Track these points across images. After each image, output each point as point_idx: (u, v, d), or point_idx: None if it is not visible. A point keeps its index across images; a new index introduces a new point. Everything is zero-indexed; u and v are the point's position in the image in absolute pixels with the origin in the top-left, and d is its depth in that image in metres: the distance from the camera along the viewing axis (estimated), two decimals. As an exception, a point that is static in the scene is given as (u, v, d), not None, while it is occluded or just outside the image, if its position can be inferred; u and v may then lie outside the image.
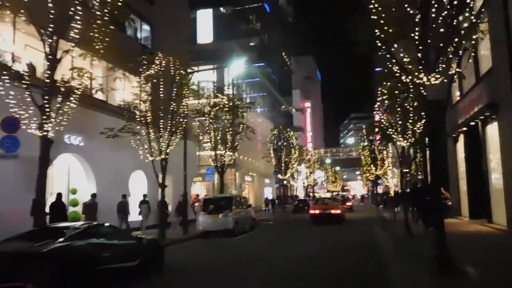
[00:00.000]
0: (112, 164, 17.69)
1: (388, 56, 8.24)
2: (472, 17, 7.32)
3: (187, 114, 16.58)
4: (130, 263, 8.06)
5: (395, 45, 7.95)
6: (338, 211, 22.66)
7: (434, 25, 7.46)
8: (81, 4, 9.84)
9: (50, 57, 9.82)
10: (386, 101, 13.34)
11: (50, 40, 9.76)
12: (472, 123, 16.16)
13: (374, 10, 7.62)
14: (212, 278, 8.67)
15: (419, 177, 28.75)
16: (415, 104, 12.27)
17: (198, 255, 12.55)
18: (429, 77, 7.44)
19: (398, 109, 12.38)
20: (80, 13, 9.82)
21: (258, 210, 37.51)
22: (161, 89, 15.35)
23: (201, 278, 8.79)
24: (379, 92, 12.77)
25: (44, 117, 9.88)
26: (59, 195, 14.02)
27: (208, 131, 21.93)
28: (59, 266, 6.38)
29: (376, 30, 7.79)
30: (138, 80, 15.27)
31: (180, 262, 11.04)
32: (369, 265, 9.22)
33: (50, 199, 13.40)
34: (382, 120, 13.73)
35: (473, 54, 13.49)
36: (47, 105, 9.85)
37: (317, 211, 22.89)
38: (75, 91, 10.26)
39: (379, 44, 7.99)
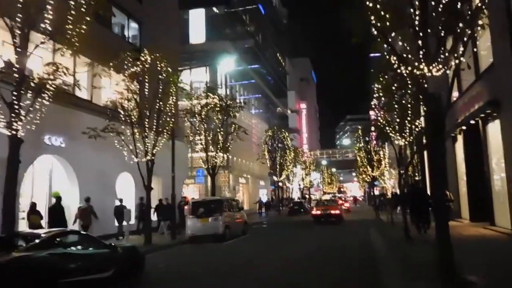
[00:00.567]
0: (97, 166, 16.90)
1: (385, 46, 7.55)
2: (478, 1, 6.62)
3: (175, 114, 15.81)
4: (102, 274, 7.30)
5: (393, 34, 7.23)
6: (337, 212, 25.01)
7: (434, 12, 6.78)
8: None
9: (19, 49, 9.06)
10: (383, 98, 12.65)
11: (19, 32, 9.00)
12: (472, 122, 15.54)
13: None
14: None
15: (416, 178, 28.24)
16: (413, 101, 11.60)
17: (183, 263, 11.76)
18: (431, 68, 6.75)
19: (396, 106, 11.69)
20: (52, 2, 9.06)
21: (253, 213, 36.73)
22: (147, 87, 14.62)
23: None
24: (375, 89, 12.08)
25: (13, 114, 9.10)
26: (59, 198, 13.74)
27: (198, 132, 21.21)
28: (15, 280, 5.61)
29: (372, 17, 7.09)
30: (123, 78, 14.50)
31: (162, 271, 10.28)
32: (365, 277, 8.46)
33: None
34: (379, 118, 13.04)
35: (474, 49, 12.91)
36: (16, 102, 9.07)
37: (318, 212, 25.20)
38: (48, 87, 9.47)
39: (376, 33, 7.30)
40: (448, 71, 6.92)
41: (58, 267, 6.33)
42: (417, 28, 6.67)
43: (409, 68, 7.06)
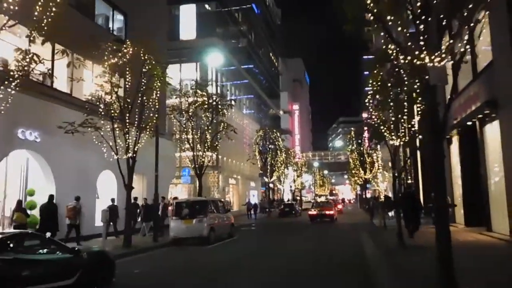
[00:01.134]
0: (76, 163, 16.02)
1: (382, 34, 6.85)
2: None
3: (159, 109, 14.99)
4: (63, 282, 6.49)
5: (391, 19, 6.51)
6: (331, 212, 28.42)
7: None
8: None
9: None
10: (378, 96, 11.97)
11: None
12: (469, 123, 14.95)
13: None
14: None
15: (409, 181, 27.68)
16: (408, 98, 10.94)
17: (161, 267, 10.93)
18: (433, 57, 6.04)
19: (391, 103, 11.02)
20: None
21: (242, 214, 35.95)
22: (128, 80, 13.80)
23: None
24: (370, 85, 11.40)
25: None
26: (51, 197, 13.55)
27: (185, 130, 20.42)
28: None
29: (368, 1, 6.39)
30: (103, 70, 13.67)
31: (135, 277, 9.47)
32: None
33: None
34: (373, 117, 12.36)
35: (468, 47, 12.30)
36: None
37: (314, 212, 28.47)
38: (12, 74, 8.63)
39: (372, 18, 6.59)
40: (451, 62, 6.23)
41: (8, 275, 5.52)
42: (418, 11, 5.97)
43: (409, 58, 6.37)
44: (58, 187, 15.07)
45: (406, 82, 10.53)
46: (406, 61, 6.37)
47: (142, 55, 13.93)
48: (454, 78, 6.26)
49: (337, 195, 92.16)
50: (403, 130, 11.77)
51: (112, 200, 16.72)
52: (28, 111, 13.86)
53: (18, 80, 8.84)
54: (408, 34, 6.36)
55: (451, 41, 5.91)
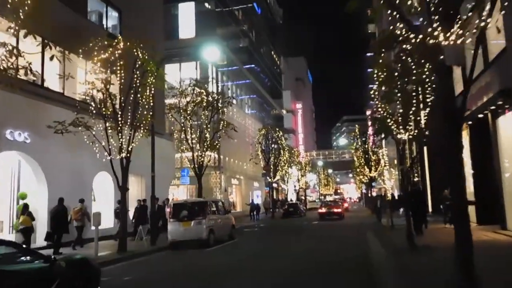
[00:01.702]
0: (70, 164, 15.42)
1: (389, 11, 6.12)
2: None
3: (153, 107, 14.33)
4: (38, 294, 5.82)
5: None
6: (339, 210, 30.57)
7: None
8: None
9: None
10: (383, 88, 11.21)
11: None
12: (480, 115, 14.17)
13: None
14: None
15: (415, 179, 26.75)
16: (419, 88, 10.20)
17: (155, 273, 10.20)
18: (448, 34, 5.31)
19: (399, 94, 10.27)
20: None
21: (246, 215, 35.25)
22: (120, 76, 13.15)
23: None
24: (375, 75, 10.65)
25: None
26: (61, 200, 13.36)
27: (184, 129, 19.77)
28: None
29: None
30: (93, 66, 13.03)
31: (125, 285, 8.78)
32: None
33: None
34: (379, 109, 11.60)
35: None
36: None
37: (324, 210, 30.66)
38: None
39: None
40: (470, 39, 5.50)
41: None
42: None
43: (420, 37, 5.64)
44: (51, 190, 14.47)
45: (414, 71, 9.89)
46: (418, 40, 5.65)
47: (134, 50, 13.29)
48: (474, 58, 5.53)
49: (342, 194, 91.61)
50: (411, 124, 11.02)
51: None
52: (17, 111, 13.28)
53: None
54: (419, 9, 5.65)
55: (470, 14, 5.17)
